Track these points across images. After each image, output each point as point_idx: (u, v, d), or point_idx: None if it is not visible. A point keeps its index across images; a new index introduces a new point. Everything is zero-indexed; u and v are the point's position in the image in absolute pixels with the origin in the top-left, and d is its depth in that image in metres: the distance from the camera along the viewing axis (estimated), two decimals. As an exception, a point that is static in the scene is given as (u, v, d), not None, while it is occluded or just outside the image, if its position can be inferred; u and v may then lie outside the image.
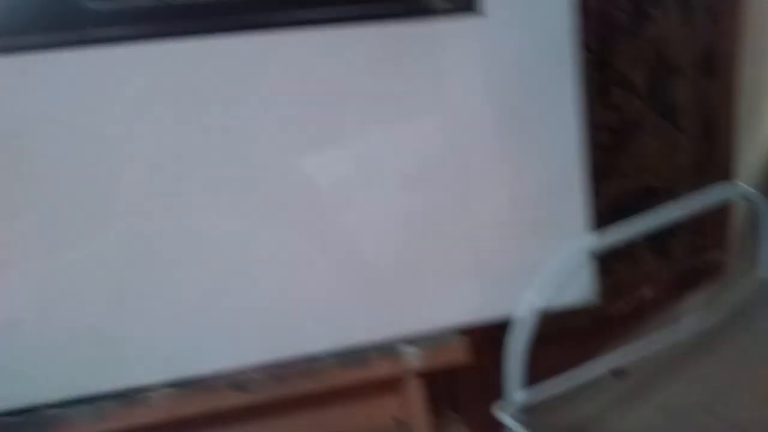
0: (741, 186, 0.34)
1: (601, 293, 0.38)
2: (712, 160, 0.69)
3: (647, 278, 0.60)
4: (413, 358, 0.31)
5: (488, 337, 0.36)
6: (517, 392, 0.33)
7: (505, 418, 0.33)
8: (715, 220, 0.71)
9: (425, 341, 0.31)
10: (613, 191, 0.54)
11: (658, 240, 0.61)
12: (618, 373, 0.51)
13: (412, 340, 0.31)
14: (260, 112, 0.26)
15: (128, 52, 0.24)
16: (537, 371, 0.37)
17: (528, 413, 0.34)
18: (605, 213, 0.46)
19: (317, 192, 0.27)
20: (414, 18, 0.27)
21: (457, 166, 0.29)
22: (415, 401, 0.32)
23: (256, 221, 0.27)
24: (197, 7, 0.25)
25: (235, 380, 0.29)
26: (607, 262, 0.51)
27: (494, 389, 0.35)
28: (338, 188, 0.28)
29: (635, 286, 0.61)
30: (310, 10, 0.26)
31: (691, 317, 0.42)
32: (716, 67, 0.64)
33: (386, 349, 0.31)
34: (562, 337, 0.43)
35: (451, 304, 0.31)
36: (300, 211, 0.28)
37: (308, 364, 0.30)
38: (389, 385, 0.32)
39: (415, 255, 0.30)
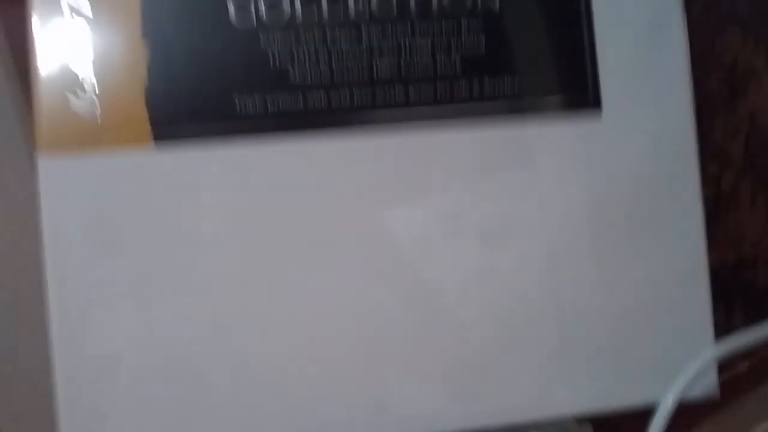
0: None
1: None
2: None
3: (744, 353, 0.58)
4: None
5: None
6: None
7: None
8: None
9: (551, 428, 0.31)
10: (710, 263, 0.53)
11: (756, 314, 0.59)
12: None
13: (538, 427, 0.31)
14: (346, 172, 0.27)
15: (268, 146, 0.26)
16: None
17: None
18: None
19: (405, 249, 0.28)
20: (527, 116, 0.28)
21: (566, 262, 0.30)
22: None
23: (340, 279, 0.28)
24: (329, 112, 0.27)
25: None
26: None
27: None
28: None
29: (730, 360, 0.59)
30: (423, 108, 0.27)
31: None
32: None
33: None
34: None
35: (563, 390, 0.31)
36: (386, 268, 0.28)
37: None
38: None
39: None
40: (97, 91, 0.26)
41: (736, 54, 0.54)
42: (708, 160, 0.54)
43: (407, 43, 0.27)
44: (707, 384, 0.32)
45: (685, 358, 0.31)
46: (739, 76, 0.55)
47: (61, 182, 0.26)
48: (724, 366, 0.50)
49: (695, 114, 0.53)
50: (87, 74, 0.26)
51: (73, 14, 0.26)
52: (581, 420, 0.32)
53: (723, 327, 0.57)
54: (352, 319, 0.28)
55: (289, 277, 0.27)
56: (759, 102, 0.57)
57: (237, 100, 0.26)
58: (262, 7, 0.27)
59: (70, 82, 0.26)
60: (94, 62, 0.26)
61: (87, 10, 0.26)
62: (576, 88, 0.28)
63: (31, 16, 0.26)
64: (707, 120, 0.54)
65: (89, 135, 0.26)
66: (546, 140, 0.28)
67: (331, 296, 0.27)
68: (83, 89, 0.26)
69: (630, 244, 0.30)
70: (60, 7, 0.26)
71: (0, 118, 0.38)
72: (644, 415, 0.34)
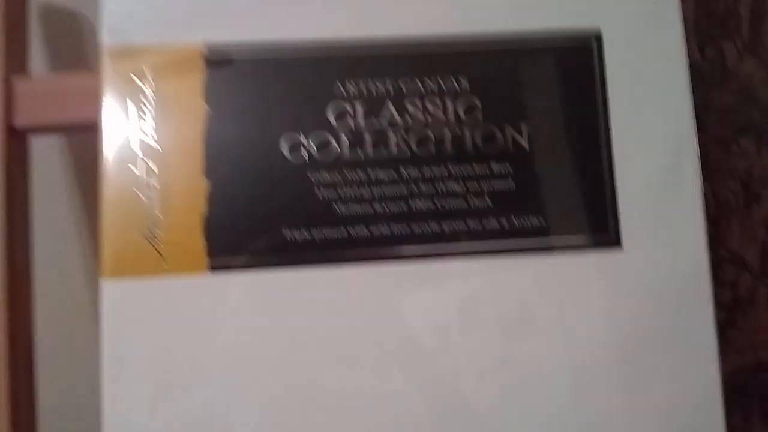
0: None
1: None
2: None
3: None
4: None
5: None
6: None
7: None
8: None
9: None
10: (727, 367, 0.54)
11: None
12: None
13: None
14: (383, 298, 0.30)
15: (314, 274, 0.29)
16: None
17: None
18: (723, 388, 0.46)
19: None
20: (554, 252, 0.30)
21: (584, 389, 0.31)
22: None
23: (362, 368, 0.29)
24: (370, 244, 0.29)
25: None
26: None
27: None
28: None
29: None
30: (456, 243, 0.29)
31: None
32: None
33: None
34: None
35: None
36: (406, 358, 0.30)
37: None
38: None
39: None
40: (160, 223, 0.29)
41: (751, 162, 0.57)
42: (726, 266, 0.56)
43: (443, 182, 0.30)
44: None
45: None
46: (754, 183, 0.57)
47: (122, 304, 0.28)
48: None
49: (712, 221, 0.55)
50: (151, 207, 0.29)
51: (142, 153, 0.29)
52: None
53: (741, 431, 0.57)
54: (374, 410, 0.29)
55: (324, 380, 0.29)
56: (774, 209, 0.58)
57: (286, 233, 0.29)
58: (313, 147, 0.30)
59: (135, 213, 0.29)
60: (159, 196, 0.29)
61: (155, 147, 0.29)
62: (599, 227, 0.30)
63: (101, 153, 0.29)
64: (725, 226, 0.56)
65: (151, 262, 0.28)
66: (570, 272, 0.30)
67: (355, 390, 0.29)
68: (148, 220, 0.29)
69: (647, 367, 0.31)
70: (130, 146, 0.29)
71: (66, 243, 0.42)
72: None
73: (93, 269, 0.46)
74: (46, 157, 0.44)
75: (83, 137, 0.42)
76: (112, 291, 0.28)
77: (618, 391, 0.31)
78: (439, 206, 0.30)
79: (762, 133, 0.56)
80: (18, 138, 0.33)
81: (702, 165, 0.54)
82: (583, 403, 0.30)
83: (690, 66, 0.44)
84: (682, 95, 0.33)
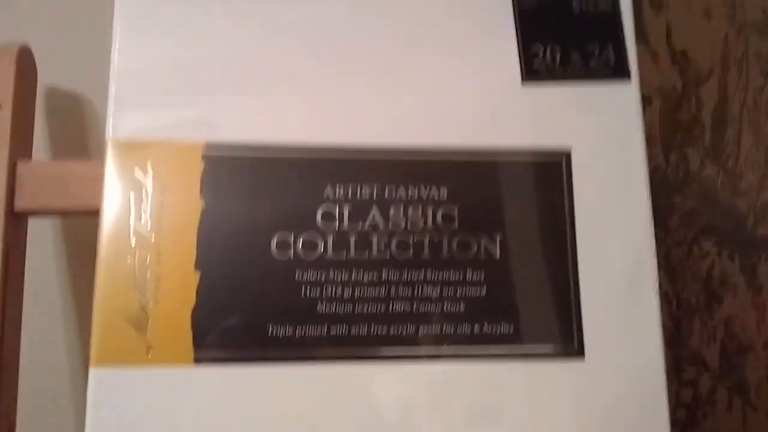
0: None
1: None
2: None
3: None
4: None
5: None
6: None
7: None
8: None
9: None
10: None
11: None
12: None
13: None
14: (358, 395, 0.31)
15: (294, 370, 0.30)
16: None
17: None
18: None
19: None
20: (522, 359, 0.32)
21: None
22: None
23: None
24: (348, 343, 0.31)
25: None
26: None
27: None
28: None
29: None
30: (430, 346, 0.31)
31: None
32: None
33: None
34: None
35: None
36: None
37: None
38: None
39: None
40: (151, 312, 0.30)
41: (711, 265, 0.60)
42: (686, 365, 0.58)
43: (420, 285, 0.32)
44: None
45: None
46: (715, 285, 0.60)
47: (108, 392, 0.29)
48: None
49: (675, 321, 0.57)
50: (143, 298, 0.30)
51: (138, 242, 0.31)
52: None
53: None
54: None
55: None
56: (734, 310, 0.61)
57: (270, 329, 0.30)
58: (299, 245, 0.32)
59: (127, 301, 0.30)
60: (151, 286, 0.30)
61: (151, 239, 0.31)
62: (565, 337, 0.32)
63: (99, 242, 0.31)
64: (686, 327, 0.58)
65: (139, 352, 0.30)
66: (538, 378, 0.32)
67: None
68: (138, 309, 0.30)
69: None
70: (126, 235, 0.31)
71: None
72: None
73: (78, 358, 0.46)
74: (41, 235, 0.45)
75: (80, 219, 0.44)
76: (98, 379, 0.29)
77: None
78: (416, 309, 0.32)
79: (722, 235, 0.60)
80: (18, 220, 0.35)
81: (665, 266, 0.57)
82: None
83: (655, 170, 0.47)
84: (643, 209, 0.35)
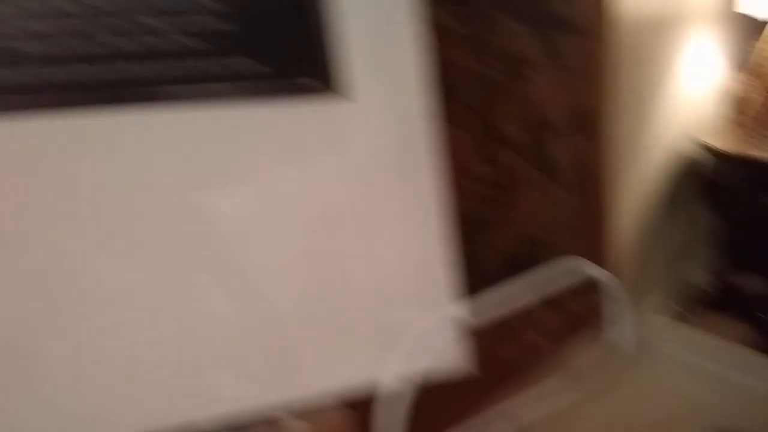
0: (586, 263, 0.36)
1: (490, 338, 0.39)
2: (591, 211, 0.74)
3: (534, 323, 0.63)
4: (293, 427, 0.32)
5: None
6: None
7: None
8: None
9: (310, 413, 0.32)
10: (499, 242, 0.58)
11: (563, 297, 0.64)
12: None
13: (298, 412, 0.32)
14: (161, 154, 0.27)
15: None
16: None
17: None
18: (493, 262, 0.48)
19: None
20: (289, 97, 0.28)
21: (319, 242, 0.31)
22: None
23: (155, 264, 0.28)
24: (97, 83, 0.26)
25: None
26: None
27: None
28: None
29: (522, 331, 0.64)
30: (188, 86, 0.27)
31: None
32: (588, 124, 0.70)
33: (272, 422, 0.31)
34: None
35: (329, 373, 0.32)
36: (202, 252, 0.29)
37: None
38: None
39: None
40: None
41: (511, 43, 0.59)
42: (492, 145, 0.58)
43: (149, 22, 0.27)
44: (456, 357, 0.35)
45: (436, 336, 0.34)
46: (515, 63, 0.60)
47: None
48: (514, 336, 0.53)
49: (480, 99, 0.57)
50: None
51: None
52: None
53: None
54: (165, 302, 0.28)
55: (99, 262, 0.26)
56: (539, 90, 0.62)
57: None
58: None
59: None
60: None
61: None
62: (320, 73, 0.29)
63: None
64: (489, 106, 0.58)
65: None
66: (296, 121, 0.29)
67: (141, 281, 0.27)
68: None
69: (382, 209, 0.32)
70: None
71: None
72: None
73: None
74: None
75: None
76: None
77: (358, 235, 0.32)
78: (137, 46, 0.27)
79: (522, 14, 0.58)
80: None
81: (465, 43, 0.56)
82: (332, 245, 0.31)
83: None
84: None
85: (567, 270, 0.37)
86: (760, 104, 1.00)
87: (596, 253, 0.74)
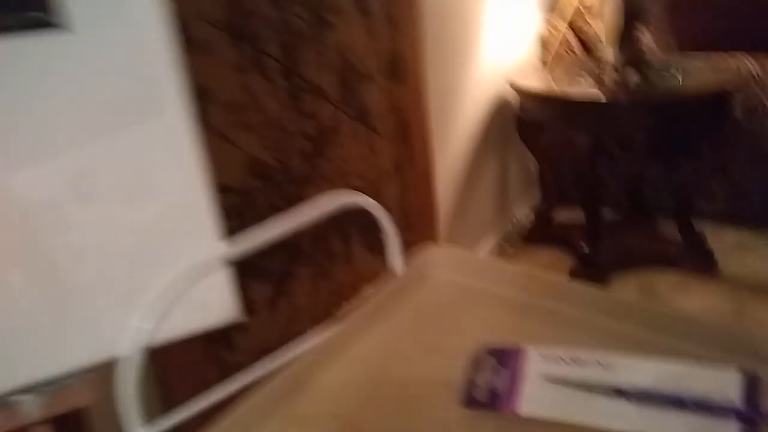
0: (357, 195, 0.34)
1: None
2: (411, 159, 0.72)
3: (368, 278, 0.61)
4: (32, 408, 0.29)
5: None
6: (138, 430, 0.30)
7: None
8: (419, 214, 0.74)
9: (45, 388, 0.29)
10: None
11: (369, 239, 0.62)
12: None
13: (33, 388, 0.29)
14: None
15: None
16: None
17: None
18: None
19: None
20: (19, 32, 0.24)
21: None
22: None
23: None
24: None
25: None
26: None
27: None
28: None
29: (356, 287, 0.62)
30: None
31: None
32: (402, 71, 0.68)
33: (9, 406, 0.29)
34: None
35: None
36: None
37: None
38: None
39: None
40: None
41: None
42: (305, 96, 0.54)
43: None
44: (225, 306, 0.32)
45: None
46: (325, 11, 0.55)
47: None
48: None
49: (285, 48, 0.52)
50: None
51: None
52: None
53: (343, 256, 0.59)
54: None
55: None
56: (347, 37, 0.58)
57: None
58: None
59: None
60: None
61: None
62: (36, 6, 0.24)
63: None
64: (299, 56, 0.53)
65: None
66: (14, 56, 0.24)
67: None
68: None
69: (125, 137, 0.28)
70: None
71: None
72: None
73: None
74: None
75: None
76: None
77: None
78: None
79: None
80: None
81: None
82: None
83: None
84: None
85: (333, 202, 0.35)
86: (559, 44, 1.06)
87: (419, 198, 0.73)
